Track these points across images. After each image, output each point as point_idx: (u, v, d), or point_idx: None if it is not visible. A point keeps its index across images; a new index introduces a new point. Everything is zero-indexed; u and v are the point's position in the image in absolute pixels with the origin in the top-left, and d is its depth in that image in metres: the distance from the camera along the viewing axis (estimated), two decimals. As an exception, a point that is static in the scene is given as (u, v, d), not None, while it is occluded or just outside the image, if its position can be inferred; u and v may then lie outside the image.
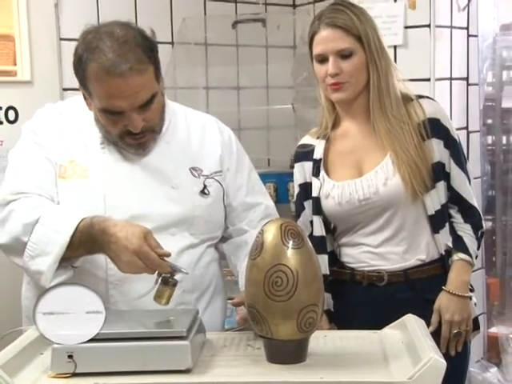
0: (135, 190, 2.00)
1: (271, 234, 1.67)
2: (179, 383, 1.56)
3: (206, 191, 2.07)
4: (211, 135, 2.16)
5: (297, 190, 2.40)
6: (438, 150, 2.23)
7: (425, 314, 2.09)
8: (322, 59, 2.23)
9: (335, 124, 2.35)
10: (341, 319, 2.28)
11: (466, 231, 2.28)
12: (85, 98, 2.00)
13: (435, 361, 1.52)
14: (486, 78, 3.77)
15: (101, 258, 1.92)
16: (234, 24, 3.67)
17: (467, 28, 3.32)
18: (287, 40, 3.91)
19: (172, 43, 3.59)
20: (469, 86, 3.38)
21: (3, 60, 3.19)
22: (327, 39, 2.21)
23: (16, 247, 1.90)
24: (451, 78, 3.25)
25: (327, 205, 2.28)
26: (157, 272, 1.78)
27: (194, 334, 1.67)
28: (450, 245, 2.26)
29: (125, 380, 1.55)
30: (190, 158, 2.09)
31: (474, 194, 2.32)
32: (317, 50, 2.24)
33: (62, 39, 3.27)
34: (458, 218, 2.30)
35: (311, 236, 2.28)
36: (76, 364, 1.58)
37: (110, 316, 1.64)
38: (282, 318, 1.62)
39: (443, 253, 2.26)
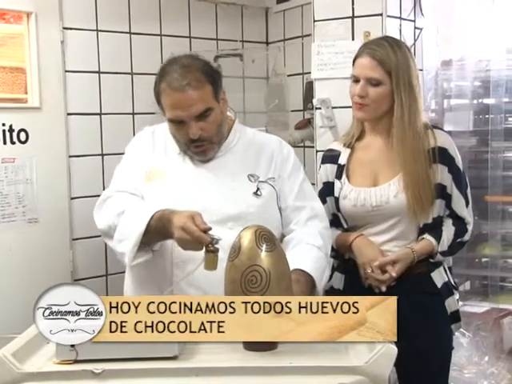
0: (201, 189, 2.12)
1: (247, 238, 1.67)
2: (167, 368, 1.54)
3: (258, 193, 2.15)
4: (270, 149, 2.24)
5: (320, 186, 2.46)
6: (441, 174, 2.27)
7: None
8: (356, 80, 2.29)
9: (360, 136, 2.39)
10: None
11: (449, 229, 2.31)
12: (164, 116, 2.16)
13: (388, 348, 1.53)
14: (430, 106, 3.79)
15: (168, 243, 2.05)
16: (216, 58, 3.66)
17: (414, 63, 3.33)
18: (261, 72, 3.92)
19: (162, 75, 3.57)
20: (416, 112, 3.39)
21: (16, 89, 3.18)
22: (363, 66, 2.27)
23: (109, 233, 2.08)
24: (401, 105, 3.26)
25: (344, 205, 2.34)
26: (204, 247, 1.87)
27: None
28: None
29: (120, 366, 1.54)
30: (249, 167, 2.18)
31: (471, 216, 2.35)
32: (354, 71, 2.31)
33: (66, 71, 3.25)
34: (447, 222, 2.32)
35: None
36: (77, 352, 1.56)
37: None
38: (256, 312, 1.61)
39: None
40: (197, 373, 1.53)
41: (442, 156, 2.27)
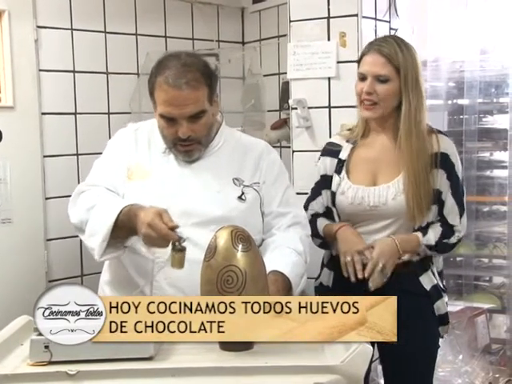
0: (186, 190, 2.09)
1: (223, 238, 1.66)
2: (142, 369, 1.53)
3: (243, 197, 2.12)
4: (256, 154, 2.21)
5: (317, 178, 2.43)
6: (440, 180, 2.26)
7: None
8: (363, 77, 2.26)
9: (364, 133, 2.37)
10: None
11: (436, 229, 2.29)
12: (154, 110, 2.12)
13: (363, 347, 1.53)
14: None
15: None
16: (192, 58, 3.65)
17: (389, 63, 3.35)
18: (237, 72, 3.92)
19: (138, 74, 3.56)
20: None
21: (-11, 88, 3.15)
22: (371, 63, 2.24)
23: (82, 227, 2.06)
24: (376, 106, 3.28)
25: (340, 201, 2.32)
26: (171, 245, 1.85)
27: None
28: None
29: (95, 367, 1.52)
30: (234, 171, 2.15)
31: (463, 226, 2.32)
32: (361, 69, 2.28)
33: (40, 70, 3.23)
34: (435, 223, 2.30)
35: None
36: (52, 353, 1.54)
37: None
38: (232, 312, 1.61)
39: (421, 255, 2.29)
40: (173, 373, 1.52)
41: (443, 161, 2.26)
